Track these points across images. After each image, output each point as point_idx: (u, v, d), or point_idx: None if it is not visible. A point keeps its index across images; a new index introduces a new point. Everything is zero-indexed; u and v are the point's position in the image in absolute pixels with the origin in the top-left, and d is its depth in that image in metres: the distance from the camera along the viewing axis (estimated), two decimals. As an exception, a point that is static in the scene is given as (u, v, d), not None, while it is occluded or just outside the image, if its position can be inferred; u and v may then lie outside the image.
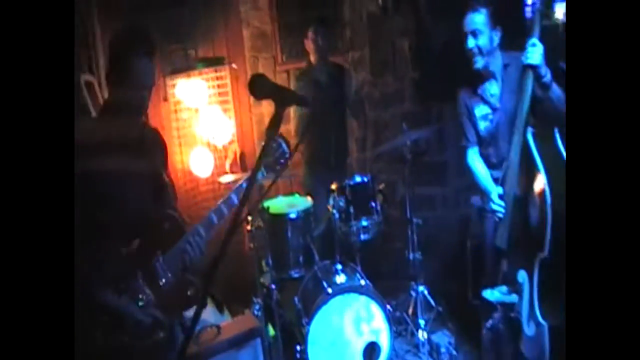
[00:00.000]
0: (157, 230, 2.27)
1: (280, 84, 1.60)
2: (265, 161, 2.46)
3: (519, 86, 2.81)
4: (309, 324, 3.46)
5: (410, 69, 5.04)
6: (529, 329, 2.67)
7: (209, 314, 3.97)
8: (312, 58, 4.64)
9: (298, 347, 3.51)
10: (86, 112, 3.43)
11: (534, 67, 2.71)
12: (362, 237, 3.95)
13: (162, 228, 2.29)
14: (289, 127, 4.78)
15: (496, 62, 3.13)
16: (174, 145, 4.96)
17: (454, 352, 3.85)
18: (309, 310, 3.55)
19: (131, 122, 2.23)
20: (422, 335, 3.96)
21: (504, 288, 2.80)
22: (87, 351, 1.99)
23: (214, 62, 5.18)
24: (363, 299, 3.58)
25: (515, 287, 2.76)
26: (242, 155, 5.30)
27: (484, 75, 3.18)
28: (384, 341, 3.61)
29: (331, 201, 3.90)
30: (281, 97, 1.50)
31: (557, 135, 2.70)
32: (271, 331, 3.89)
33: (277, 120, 1.49)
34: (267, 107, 5.43)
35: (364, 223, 3.94)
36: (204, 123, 4.98)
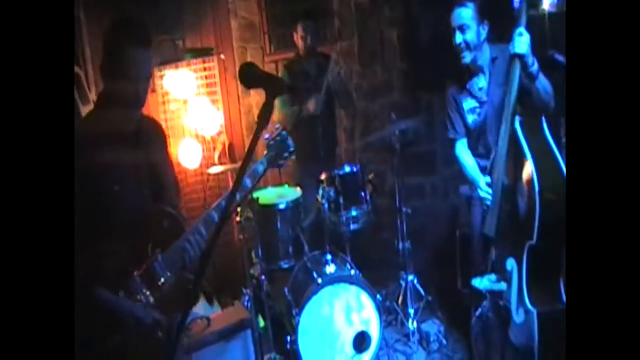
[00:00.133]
0: (156, 228, 2.20)
1: (270, 73, 1.58)
2: (268, 155, 2.41)
3: (506, 79, 2.80)
4: (299, 314, 3.44)
5: (398, 60, 5.03)
6: (517, 316, 2.67)
7: (199, 305, 3.95)
8: (301, 51, 4.61)
9: (288, 338, 3.50)
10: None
11: (521, 57, 2.70)
12: (352, 227, 3.95)
13: (161, 226, 2.22)
14: (272, 118, 4.75)
15: (484, 56, 3.13)
16: (162, 136, 4.92)
17: (444, 341, 3.86)
18: (299, 300, 3.53)
19: (128, 114, 2.17)
20: (411, 324, 3.97)
21: (493, 276, 2.80)
22: (86, 351, 1.95)
23: (202, 52, 5.13)
24: (353, 288, 3.57)
25: (504, 275, 2.76)
26: (230, 146, 5.27)
27: (472, 70, 3.17)
28: (374, 331, 3.60)
29: (320, 191, 3.88)
30: (271, 86, 1.49)
31: (544, 124, 2.70)
32: (261, 322, 3.88)
33: (267, 109, 1.47)
34: (255, 98, 5.41)
35: (354, 213, 3.93)
36: (192, 114, 4.95)
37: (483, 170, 3.12)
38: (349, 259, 3.93)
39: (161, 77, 4.85)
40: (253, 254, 3.89)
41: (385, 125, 4.23)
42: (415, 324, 3.97)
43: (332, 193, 3.87)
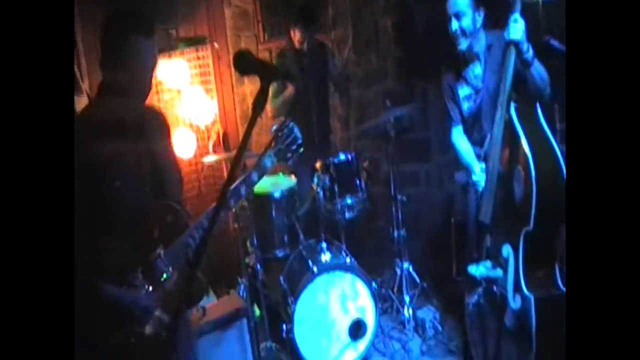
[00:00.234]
0: (159, 224, 2.12)
1: (264, 60, 1.56)
2: (276, 149, 2.34)
3: (502, 66, 2.77)
4: (294, 303, 3.42)
5: (393, 47, 4.99)
6: (514, 302, 2.65)
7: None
8: (296, 45, 4.54)
9: (284, 327, 3.48)
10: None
11: (516, 43, 2.67)
12: (347, 215, 3.92)
13: (164, 221, 2.14)
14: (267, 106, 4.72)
15: (480, 43, 3.11)
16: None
17: (439, 328, 3.86)
18: (295, 289, 3.52)
19: (131, 105, 2.09)
20: (407, 311, 3.95)
21: (489, 263, 2.79)
22: (87, 349, 1.90)
23: (195, 41, 5.08)
24: (348, 276, 3.56)
25: (500, 262, 2.74)
26: (225, 135, 5.23)
27: (468, 57, 3.15)
28: (370, 318, 3.59)
29: (315, 179, 3.85)
30: (266, 73, 1.46)
31: (539, 111, 2.68)
32: (257, 311, 3.86)
33: (263, 95, 1.45)
34: (249, 87, 5.36)
35: (349, 201, 3.90)
36: (186, 104, 4.90)
37: (479, 157, 3.11)
38: (344, 247, 3.92)
39: (154, 66, 4.79)
40: (248, 243, 3.87)
41: (379, 113, 4.21)
42: (410, 311, 3.96)
43: (327, 181, 3.85)
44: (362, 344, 3.60)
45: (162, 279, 2.07)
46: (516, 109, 2.67)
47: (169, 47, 4.89)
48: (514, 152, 2.65)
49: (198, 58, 5.08)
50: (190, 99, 4.89)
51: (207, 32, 5.22)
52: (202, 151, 4.98)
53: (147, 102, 2.19)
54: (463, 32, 3.02)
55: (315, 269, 3.49)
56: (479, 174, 2.98)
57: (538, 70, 2.76)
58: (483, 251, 2.86)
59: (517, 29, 2.65)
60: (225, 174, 4.58)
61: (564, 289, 2.56)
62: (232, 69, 5.26)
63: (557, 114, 3.18)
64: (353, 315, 3.57)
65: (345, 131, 5.28)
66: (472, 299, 2.93)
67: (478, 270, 2.78)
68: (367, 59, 5.10)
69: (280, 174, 4.43)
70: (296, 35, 4.39)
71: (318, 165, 3.90)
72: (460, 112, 3.30)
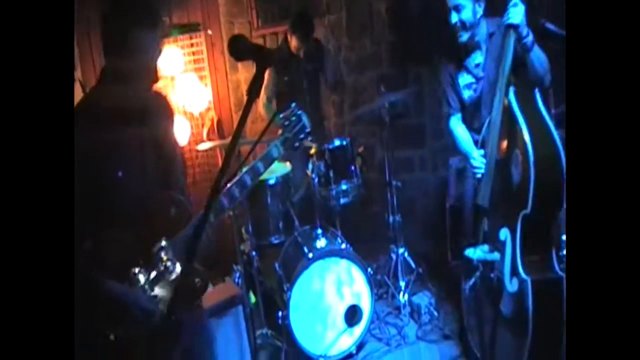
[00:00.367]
0: (162, 216, 2.03)
1: (260, 44, 1.50)
2: (283, 137, 2.23)
3: (501, 54, 2.73)
4: (290, 289, 3.38)
5: (387, 32, 4.93)
6: (511, 285, 2.62)
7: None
8: (293, 50, 4.47)
9: (280, 313, 3.44)
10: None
11: (515, 27, 2.63)
12: (342, 200, 3.88)
13: (168, 213, 2.04)
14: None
15: (481, 32, 3.05)
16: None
17: (435, 313, 3.81)
18: (290, 275, 3.47)
19: (135, 92, 2.01)
20: (402, 297, 3.92)
21: (486, 246, 2.75)
22: (87, 345, 1.84)
23: (189, 28, 5.02)
24: (344, 262, 3.52)
25: (497, 245, 2.71)
26: (219, 122, 5.19)
27: (469, 46, 3.09)
28: (366, 304, 3.55)
29: (310, 165, 3.80)
30: (261, 57, 1.41)
31: (538, 96, 2.65)
32: (252, 298, 3.82)
33: (258, 81, 1.41)
34: (243, 74, 5.31)
35: (344, 187, 3.86)
36: (179, 91, 4.85)
37: (476, 143, 3.07)
38: (339, 233, 3.88)
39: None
40: (243, 230, 3.82)
41: (374, 98, 4.16)
42: (406, 296, 3.92)
43: (322, 167, 3.80)
44: (358, 329, 3.56)
45: (165, 273, 1.98)
46: (515, 94, 2.64)
47: (162, 34, 4.82)
48: (513, 136, 2.62)
49: (191, 45, 5.04)
50: (184, 86, 4.84)
51: (200, 19, 5.17)
52: (196, 138, 4.94)
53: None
54: (463, 24, 2.95)
55: (310, 255, 3.44)
56: (478, 158, 2.93)
57: (538, 55, 2.71)
58: (480, 235, 2.83)
59: (516, 12, 2.61)
60: (220, 162, 4.54)
61: (561, 273, 2.54)
62: (226, 55, 5.25)
63: (551, 98, 3.14)
64: (349, 301, 3.53)
65: (340, 117, 5.23)
66: (468, 284, 2.90)
67: (475, 253, 2.74)
68: (361, 44, 5.04)
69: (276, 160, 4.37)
70: (293, 41, 4.34)
71: (313, 151, 3.84)
72: (460, 101, 3.24)
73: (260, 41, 5.21)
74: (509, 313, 2.70)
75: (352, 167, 3.91)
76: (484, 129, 2.89)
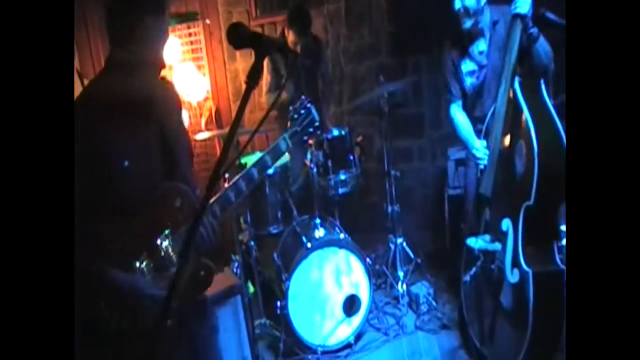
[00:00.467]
0: (167, 208, 1.96)
1: (259, 32, 1.46)
2: (292, 130, 2.19)
3: (506, 43, 2.70)
4: (288, 279, 3.35)
5: (386, 22, 4.89)
6: (512, 276, 2.59)
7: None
8: (290, 45, 4.43)
9: (278, 303, 3.41)
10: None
11: (522, 17, 2.60)
12: (341, 190, 3.84)
13: (173, 205, 1.97)
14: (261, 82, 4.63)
15: (485, 19, 3.01)
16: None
17: (433, 303, 3.79)
18: (289, 265, 3.44)
19: (142, 81, 1.93)
20: (401, 287, 3.89)
21: (487, 236, 2.73)
22: (89, 336, 1.81)
23: (186, 17, 4.98)
24: (342, 252, 3.48)
25: (498, 236, 2.67)
26: (217, 112, 5.16)
27: (473, 34, 3.05)
28: (364, 294, 3.52)
29: (309, 155, 3.76)
30: (261, 46, 1.38)
31: (543, 86, 2.62)
32: (251, 288, 3.80)
33: (257, 69, 1.37)
34: (241, 63, 5.26)
35: (342, 176, 3.81)
36: (177, 81, 4.81)
37: (478, 133, 3.03)
38: (338, 223, 3.86)
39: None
40: (242, 220, 3.78)
41: (373, 88, 4.13)
42: (404, 286, 3.89)
43: (320, 157, 3.77)
44: (357, 319, 3.53)
45: (170, 264, 1.93)
46: (520, 84, 2.61)
47: (168, 20, 4.78)
48: (517, 126, 2.58)
49: (190, 34, 5.00)
50: (182, 75, 4.80)
51: (198, 8, 5.12)
52: (194, 128, 4.90)
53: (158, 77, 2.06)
54: (467, 10, 2.91)
55: (309, 245, 3.40)
56: (480, 149, 2.90)
57: (543, 45, 2.69)
58: (482, 224, 2.80)
59: (523, 2, 2.58)
60: (218, 151, 4.50)
61: (562, 266, 2.51)
62: (224, 45, 5.21)
63: (550, 88, 3.11)
64: (347, 290, 3.50)
65: (339, 106, 5.20)
66: (469, 274, 2.88)
67: (477, 243, 2.72)
68: (359, 33, 4.99)
69: (274, 150, 4.34)
70: (290, 36, 4.30)
71: (311, 140, 3.81)
72: (462, 88, 3.20)
73: (258, 30, 5.16)
74: (509, 304, 2.67)
75: (351, 157, 3.87)
76: (487, 118, 2.85)
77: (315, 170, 3.71)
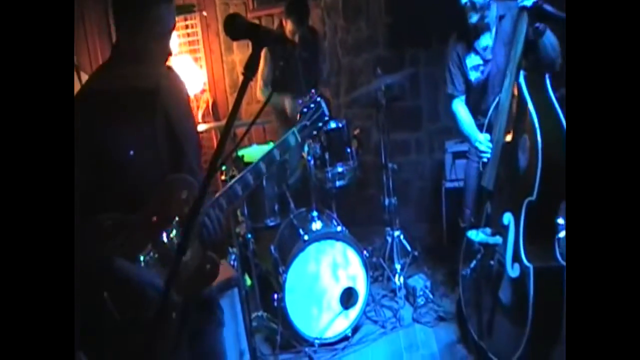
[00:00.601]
0: (173, 200, 1.90)
1: (256, 23, 1.44)
2: (301, 125, 2.13)
3: (512, 38, 2.66)
4: (285, 272, 3.32)
5: (383, 14, 4.85)
6: (512, 271, 2.55)
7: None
8: (288, 34, 4.39)
9: (275, 296, 3.38)
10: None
11: (528, 9, 2.54)
12: (338, 183, 3.79)
13: (179, 197, 1.91)
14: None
15: (491, 14, 2.96)
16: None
17: (430, 296, 3.76)
18: (286, 258, 3.41)
19: (148, 70, 1.89)
20: (398, 279, 3.87)
21: (488, 230, 2.70)
22: (94, 328, 1.76)
23: (183, 9, 4.92)
24: (339, 245, 3.45)
25: (499, 229, 2.64)
26: (214, 104, 5.12)
27: (479, 28, 3.00)
28: (361, 287, 3.49)
29: (306, 148, 3.72)
30: (258, 37, 1.37)
31: (548, 82, 2.57)
32: (248, 281, 3.77)
33: (254, 60, 1.35)
34: (238, 55, 5.21)
35: (340, 169, 3.77)
36: (174, 72, 4.77)
37: (480, 127, 2.99)
38: (335, 215, 3.82)
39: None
40: (239, 213, 3.74)
41: (370, 81, 4.10)
42: (401, 279, 3.86)
43: (317, 149, 3.72)
44: (354, 312, 3.50)
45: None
46: (525, 78, 2.56)
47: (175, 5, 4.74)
48: (521, 120, 2.54)
49: (186, 27, 4.95)
50: (179, 68, 4.75)
51: (195, 0, 5.07)
52: (191, 120, 4.86)
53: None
54: (473, 5, 2.86)
55: (306, 237, 3.37)
56: (484, 142, 2.85)
57: (550, 39, 2.63)
58: (483, 217, 2.78)
59: None
60: (215, 144, 4.48)
61: (563, 262, 2.47)
62: (221, 37, 5.15)
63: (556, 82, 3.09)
64: (344, 283, 3.46)
65: (336, 99, 5.16)
66: (469, 267, 2.87)
67: (477, 236, 2.69)
68: (357, 26, 4.94)
69: (271, 143, 4.33)
70: (288, 26, 4.26)
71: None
72: (465, 82, 3.16)
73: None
74: (508, 299, 2.63)
75: (348, 150, 3.82)
76: (490, 111, 2.81)
77: (312, 162, 3.68)
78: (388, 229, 4.09)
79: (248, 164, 3.65)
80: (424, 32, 4.54)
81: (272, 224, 3.83)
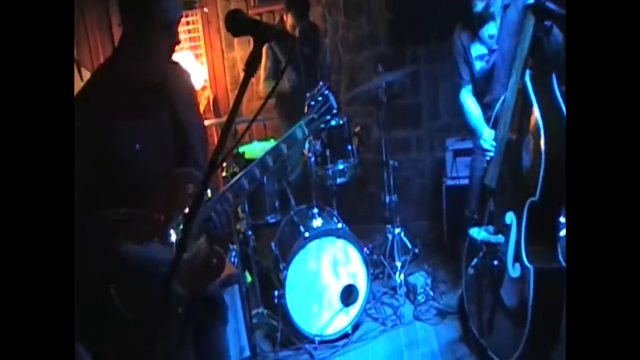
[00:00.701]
0: (179, 193, 1.89)
1: (257, 19, 1.42)
2: (308, 118, 2.09)
3: (516, 28, 2.64)
4: (286, 268, 3.30)
5: (384, 11, 4.83)
6: (513, 271, 2.52)
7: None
8: (289, 29, 4.38)
9: (276, 293, 3.37)
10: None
11: (533, 7, 2.53)
12: (339, 180, 3.77)
13: (185, 191, 1.90)
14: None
15: (496, 3, 2.94)
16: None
17: (431, 293, 3.75)
18: (286, 255, 3.38)
19: (155, 64, 1.86)
20: (398, 277, 3.85)
21: (491, 228, 2.68)
22: (99, 322, 1.76)
23: (184, 6, 4.88)
24: (340, 242, 3.43)
25: (501, 228, 2.60)
26: (215, 101, 5.10)
27: (484, 17, 2.97)
28: (362, 284, 3.47)
29: (307, 145, 3.71)
30: (259, 32, 1.35)
31: (555, 81, 2.52)
32: (248, 277, 3.75)
33: (255, 56, 1.33)
34: (239, 52, 5.18)
35: (340, 166, 3.75)
36: (175, 69, 4.75)
37: (487, 120, 2.96)
38: (335, 212, 3.80)
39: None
40: (239, 209, 3.74)
41: (371, 78, 4.08)
42: (402, 276, 3.83)
43: (318, 146, 3.70)
44: (354, 309, 3.48)
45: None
46: (531, 77, 2.51)
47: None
48: (526, 120, 2.49)
49: (187, 23, 4.92)
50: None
51: (196, -4, 5.05)
52: (192, 117, 4.85)
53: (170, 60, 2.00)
54: None
55: (306, 234, 3.34)
56: (488, 140, 2.83)
57: (556, 36, 2.59)
58: (486, 215, 2.77)
59: None
60: (216, 140, 4.46)
61: (564, 264, 2.43)
62: (222, 33, 5.13)
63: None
64: (345, 280, 3.44)
65: (336, 96, 5.16)
66: (471, 266, 2.85)
67: (480, 234, 2.67)
68: (357, 23, 4.92)
69: (272, 139, 4.31)
70: (289, 20, 4.24)
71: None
72: (471, 72, 3.14)
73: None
74: (509, 298, 2.59)
75: (349, 147, 3.80)
76: (497, 107, 2.77)
77: (313, 159, 3.66)
78: (389, 226, 4.07)
79: (249, 160, 3.67)
80: (424, 29, 4.51)
81: (272, 220, 3.81)
